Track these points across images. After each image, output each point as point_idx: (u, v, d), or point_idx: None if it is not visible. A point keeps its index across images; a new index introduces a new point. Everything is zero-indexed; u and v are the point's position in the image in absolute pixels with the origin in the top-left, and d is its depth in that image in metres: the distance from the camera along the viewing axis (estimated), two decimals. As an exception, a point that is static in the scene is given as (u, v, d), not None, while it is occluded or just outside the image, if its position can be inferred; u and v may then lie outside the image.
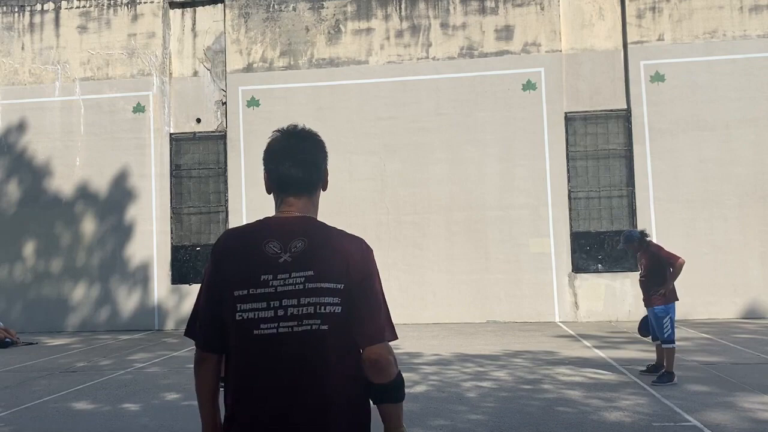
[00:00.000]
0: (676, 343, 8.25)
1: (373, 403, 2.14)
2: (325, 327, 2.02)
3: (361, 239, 2.19)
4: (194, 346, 2.21)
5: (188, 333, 2.27)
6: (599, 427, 6.11)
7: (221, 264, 2.11)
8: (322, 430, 2.01)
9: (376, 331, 2.09)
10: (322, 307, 2.03)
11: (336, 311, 2.04)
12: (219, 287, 2.09)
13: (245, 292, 2.04)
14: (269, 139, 2.26)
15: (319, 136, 2.29)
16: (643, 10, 15.01)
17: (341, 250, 2.11)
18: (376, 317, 2.10)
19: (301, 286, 2.03)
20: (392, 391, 2.13)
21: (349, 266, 2.08)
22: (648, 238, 8.50)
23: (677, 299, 8.23)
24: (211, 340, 2.12)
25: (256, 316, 2.02)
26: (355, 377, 2.09)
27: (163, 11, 16.34)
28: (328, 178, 2.32)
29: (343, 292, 2.05)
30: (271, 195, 2.26)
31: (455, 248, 14.91)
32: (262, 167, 2.27)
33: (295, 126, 2.27)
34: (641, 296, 8.49)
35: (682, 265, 8.12)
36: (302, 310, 2.02)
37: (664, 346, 8.06)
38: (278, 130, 2.26)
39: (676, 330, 8.40)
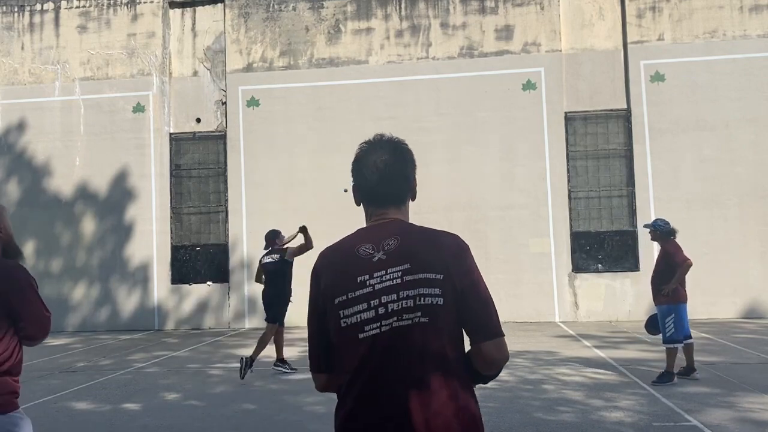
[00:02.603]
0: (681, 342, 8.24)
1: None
2: (425, 319, 1.99)
3: (457, 234, 2.16)
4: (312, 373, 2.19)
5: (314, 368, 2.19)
6: (599, 427, 6.10)
7: (320, 279, 2.11)
8: (447, 422, 1.98)
9: (493, 326, 2.06)
10: (422, 299, 2.00)
11: (437, 302, 2.01)
12: (321, 301, 2.09)
13: (345, 297, 2.03)
14: (357, 151, 2.24)
15: (406, 145, 2.25)
16: (643, 10, 15.01)
17: (437, 243, 2.09)
18: (491, 312, 2.07)
19: (399, 280, 2.01)
20: (489, 380, 2.16)
21: (447, 258, 2.05)
22: (671, 236, 8.22)
23: (684, 301, 8.12)
24: (328, 360, 2.11)
25: (359, 319, 2.01)
26: (459, 366, 2.05)
27: (163, 11, 16.34)
28: (416, 188, 2.27)
29: (444, 283, 2.02)
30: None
31: (455, 248, 14.88)
32: (351, 180, 2.27)
33: (382, 136, 2.24)
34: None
35: (687, 266, 8.01)
36: (402, 304, 2.00)
37: (665, 345, 8.05)
38: (366, 142, 2.24)
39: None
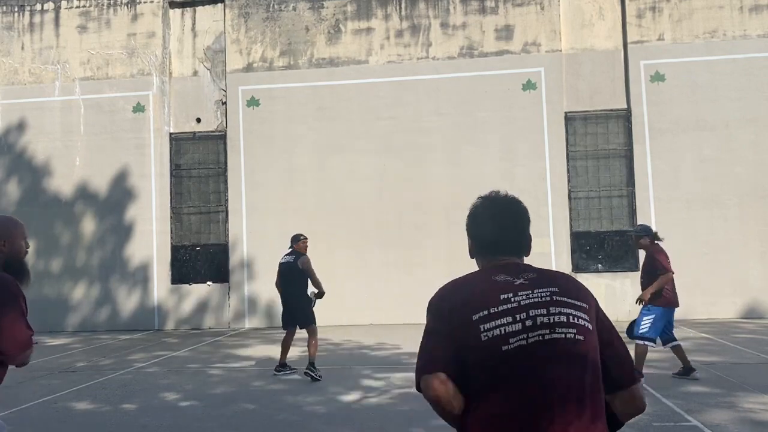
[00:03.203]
0: (677, 342, 8.23)
1: None
2: (581, 337, 1.96)
3: None
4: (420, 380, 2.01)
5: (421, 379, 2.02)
6: (599, 427, 6.10)
7: (443, 303, 2.05)
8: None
9: (634, 371, 2.11)
10: (575, 318, 1.98)
11: (588, 327, 1.99)
12: (452, 316, 2.00)
13: (485, 312, 1.97)
14: (475, 207, 2.28)
15: (522, 202, 2.29)
16: (643, 10, 15.00)
17: (574, 280, 2.15)
18: (630, 358, 2.11)
19: (548, 298, 2.00)
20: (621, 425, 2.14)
21: (587, 295, 2.10)
22: (656, 241, 8.20)
23: (670, 306, 8.02)
24: (448, 364, 1.98)
25: (503, 332, 1.94)
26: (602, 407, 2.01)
27: (163, 11, 16.34)
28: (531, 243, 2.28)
29: (590, 313, 2.03)
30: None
31: (455, 248, 14.88)
32: (467, 235, 2.28)
33: (498, 192, 2.29)
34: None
35: (667, 278, 7.91)
36: (553, 318, 1.96)
37: (634, 339, 7.85)
38: (483, 198, 2.28)
39: (675, 331, 8.38)
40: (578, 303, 2.03)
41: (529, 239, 2.24)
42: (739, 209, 14.32)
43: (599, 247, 14.89)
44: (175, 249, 15.95)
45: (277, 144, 15.68)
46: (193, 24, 16.43)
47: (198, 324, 15.61)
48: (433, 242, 15.03)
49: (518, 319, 1.95)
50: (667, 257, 8.15)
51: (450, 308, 2.02)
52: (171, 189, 16.04)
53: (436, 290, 2.13)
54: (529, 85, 15.11)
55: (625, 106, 14.99)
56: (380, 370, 9.23)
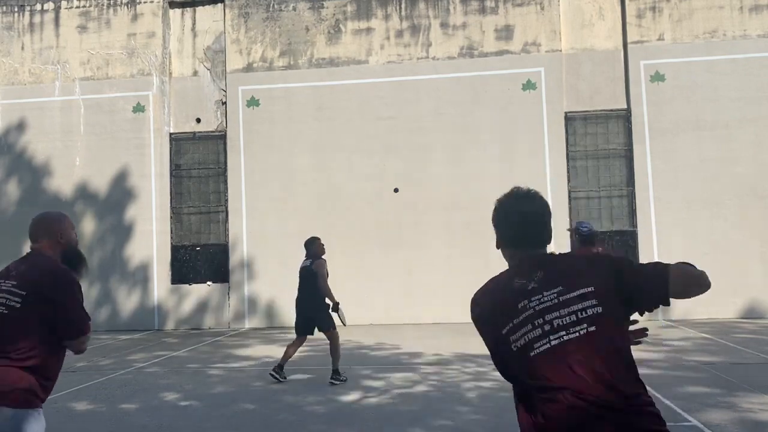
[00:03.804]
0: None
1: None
2: (592, 328, 2.19)
3: (589, 248, 2.51)
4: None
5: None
6: (599, 427, 6.10)
7: (480, 322, 2.39)
8: (632, 421, 2.12)
9: (667, 278, 2.27)
10: (582, 312, 2.21)
11: (597, 312, 2.21)
12: (492, 336, 2.33)
13: (510, 325, 2.26)
14: (500, 202, 2.50)
15: (543, 198, 2.51)
16: (643, 10, 15.01)
17: (579, 257, 2.42)
18: (661, 267, 2.29)
19: (556, 300, 2.24)
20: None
21: (590, 270, 2.30)
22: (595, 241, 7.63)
23: None
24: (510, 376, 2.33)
25: (528, 339, 2.22)
26: (631, 370, 2.21)
27: (163, 11, 16.34)
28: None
29: (597, 293, 2.23)
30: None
31: (455, 248, 14.90)
32: (494, 229, 2.50)
33: (520, 188, 2.50)
34: None
35: None
36: (565, 320, 2.21)
37: None
38: (507, 195, 2.49)
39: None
40: (584, 291, 2.23)
41: (549, 232, 2.47)
42: (739, 209, 14.32)
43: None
44: (175, 249, 15.95)
45: (277, 144, 15.69)
46: (193, 24, 16.43)
47: (198, 324, 15.61)
48: (433, 242, 15.04)
49: (537, 324, 2.22)
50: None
51: (479, 313, 2.39)
52: (171, 189, 16.05)
53: (473, 299, 2.45)
54: (529, 85, 15.11)
55: (625, 106, 14.99)
56: (380, 370, 9.23)
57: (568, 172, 15.03)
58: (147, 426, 6.68)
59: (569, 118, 15.14)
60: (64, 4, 16.65)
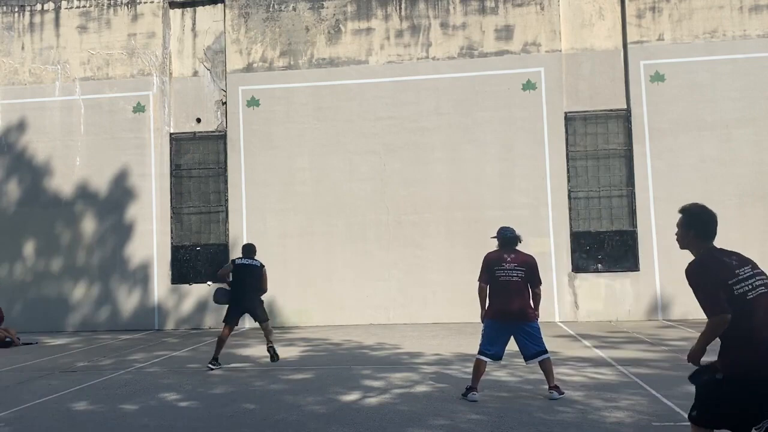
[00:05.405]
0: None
1: None
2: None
3: None
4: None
5: (717, 309, 3.69)
6: (599, 427, 6.11)
7: (709, 266, 3.84)
8: None
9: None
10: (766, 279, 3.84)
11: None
12: (717, 279, 3.76)
13: (734, 280, 3.75)
14: (699, 212, 4.21)
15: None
16: (643, 10, 15.01)
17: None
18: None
19: (750, 272, 3.81)
20: None
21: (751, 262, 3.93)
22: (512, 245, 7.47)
23: (489, 317, 7.30)
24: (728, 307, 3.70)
25: (745, 289, 3.73)
26: None
27: (163, 11, 16.34)
28: None
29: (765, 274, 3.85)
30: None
31: (455, 248, 14.91)
32: (677, 228, 4.16)
33: (698, 203, 4.27)
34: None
35: (479, 288, 7.36)
36: (757, 282, 3.78)
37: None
38: (700, 206, 4.22)
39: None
40: (759, 270, 3.85)
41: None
42: (739, 209, 14.32)
43: (599, 247, 14.89)
44: (175, 249, 15.96)
45: (277, 144, 15.69)
46: (194, 24, 16.44)
47: (198, 324, 15.62)
48: (432, 242, 15.04)
49: (750, 284, 3.76)
50: (484, 266, 7.41)
51: (712, 271, 3.79)
52: (171, 189, 16.05)
53: (696, 262, 3.92)
54: (528, 85, 15.11)
55: (625, 106, 15.00)
56: (380, 370, 9.23)
57: (567, 172, 15.03)
58: (147, 426, 6.68)
59: (569, 118, 15.14)
60: (64, 4, 16.66)
